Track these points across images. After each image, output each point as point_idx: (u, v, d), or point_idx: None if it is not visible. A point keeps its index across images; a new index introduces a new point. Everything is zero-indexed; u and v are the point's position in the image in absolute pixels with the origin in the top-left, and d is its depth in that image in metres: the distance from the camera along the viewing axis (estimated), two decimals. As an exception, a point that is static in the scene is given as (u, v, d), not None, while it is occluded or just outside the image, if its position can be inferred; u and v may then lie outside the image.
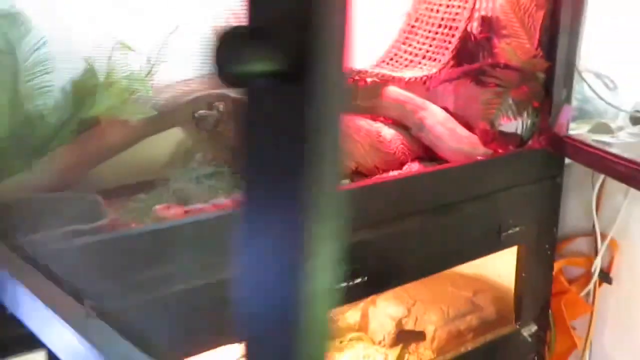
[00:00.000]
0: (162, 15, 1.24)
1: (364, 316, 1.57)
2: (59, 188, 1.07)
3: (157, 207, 0.89)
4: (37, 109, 1.09)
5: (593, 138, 1.37)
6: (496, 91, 1.28)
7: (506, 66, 1.36)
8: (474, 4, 1.49)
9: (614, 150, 1.27)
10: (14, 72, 1.05)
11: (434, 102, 1.60)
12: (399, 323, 1.50)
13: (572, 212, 1.54)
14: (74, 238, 0.83)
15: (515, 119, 1.27)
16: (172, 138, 1.31)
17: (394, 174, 1.31)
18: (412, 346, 1.49)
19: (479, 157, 1.27)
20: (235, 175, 1.24)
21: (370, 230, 1.09)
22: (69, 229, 0.84)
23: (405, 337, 1.50)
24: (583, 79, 1.53)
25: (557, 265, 1.53)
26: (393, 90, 1.39)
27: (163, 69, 1.20)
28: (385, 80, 1.38)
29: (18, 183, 1.02)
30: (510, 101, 1.27)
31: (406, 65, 1.55)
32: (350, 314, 1.59)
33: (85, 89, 1.09)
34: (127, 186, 1.27)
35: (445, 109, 1.65)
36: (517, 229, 1.35)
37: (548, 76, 1.29)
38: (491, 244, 1.32)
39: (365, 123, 1.32)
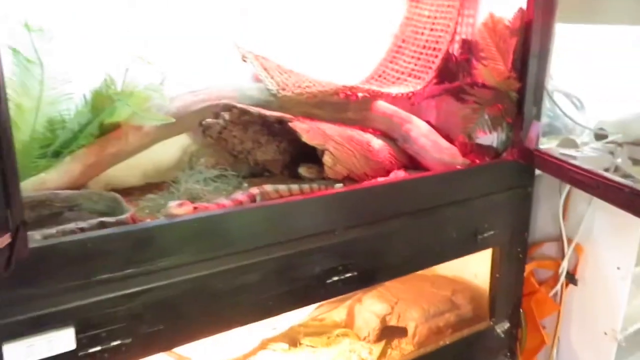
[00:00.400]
0: (173, 31, 1.37)
1: (350, 314, 1.68)
2: (78, 186, 1.17)
3: (171, 203, 1.00)
4: (59, 115, 1.20)
5: (560, 152, 1.52)
6: (473, 107, 1.43)
7: (483, 85, 1.50)
8: (455, 29, 1.65)
9: (578, 162, 1.42)
10: (40, 81, 1.16)
11: (418, 116, 1.73)
12: (383, 320, 1.62)
13: (542, 219, 1.69)
14: (100, 229, 0.93)
15: (490, 132, 1.41)
16: (178, 143, 1.43)
17: (381, 180, 1.44)
18: (395, 341, 1.61)
19: (458, 167, 1.41)
20: (237, 177, 1.36)
21: (361, 229, 1.22)
22: (97, 220, 0.94)
23: (388, 333, 1.62)
24: (551, 98, 1.69)
25: (528, 268, 1.67)
26: (381, 105, 1.53)
27: (174, 80, 1.33)
28: (374, 95, 1.51)
29: (41, 181, 1.12)
30: (486, 117, 1.41)
31: (393, 82, 1.69)
32: (337, 312, 1.70)
33: (104, 97, 1.20)
34: (136, 187, 1.38)
35: (428, 122, 1.79)
36: (492, 232, 1.48)
37: (520, 95, 1.44)
38: (468, 246, 1.45)
39: (356, 134, 1.45)
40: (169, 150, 1.42)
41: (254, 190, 1.23)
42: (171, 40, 1.37)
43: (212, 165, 1.41)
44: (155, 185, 1.38)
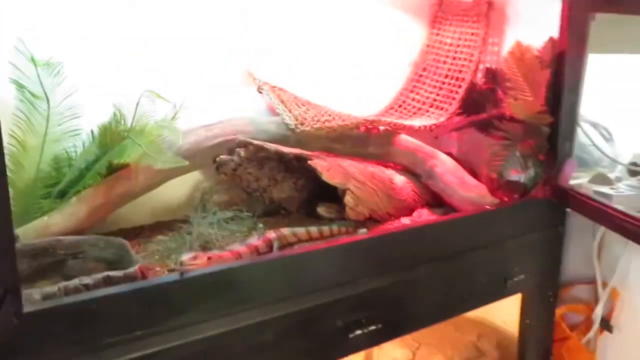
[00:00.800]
0: (186, 64, 1.30)
1: (369, 359, 1.58)
2: (84, 229, 1.10)
3: (183, 256, 0.92)
4: (65, 152, 1.13)
5: (594, 189, 1.43)
6: (504, 144, 1.34)
7: (511, 119, 1.42)
8: (480, 57, 1.57)
9: (614, 203, 1.33)
10: (46, 117, 1.09)
11: (438, 147, 1.66)
12: (404, 366, 1.52)
13: (573, 259, 1.59)
14: (107, 285, 0.85)
15: (522, 171, 1.33)
16: (190, 179, 1.35)
17: (405, 220, 1.35)
18: (417, 389, 1.51)
19: (486, 207, 1.32)
20: (252, 217, 1.27)
21: (384, 278, 1.12)
22: (102, 275, 0.86)
23: (410, 380, 1.52)
24: (582, 129, 1.60)
25: (558, 312, 1.56)
26: (404, 139, 1.45)
27: (187, 114, 1.25)
28: (397, 129, 1.43)
29: (44, 225, 1.05)
30: (518, 154, 1.33)
31: (414, 113, 1.61)
32: (355, 356, 1.60)
33: (113, 133, 1.13)
34: (146, 227, 1.30)
35: (449, 154, 1.71)
36: (522, 276, 1.39)
37: (552, 130, 1.35)
38: (497, 292, 1.35)
39: (378, 170, 1.36)
40: (181, 187, 1.34)
41: (271, 235, 1.14)
42: (185, 67, 1.30)
43: (226, 202, 1.33)
44: (166, 225, 1.30)
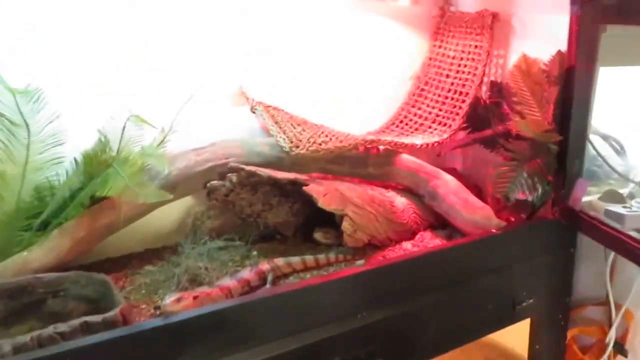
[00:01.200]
0: (176, 85, 1.24)
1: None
2: (66, 263, 1.04)
3: (167, 299, 0.86)
4: (47, 181, 1.07)
5: (606, 208, 1.36)
6: (509, 164, 1.27)
7: (517, 136, 1.35)
8: (484, 71, 1.50)
9: (627, 223, 1.26)
10: (26, 145, 1.04)
11: (441, 162, 1.59)
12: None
13: (585, 279, 1.52)
14: (85, 331, 0.79)
15: (530, 193, 1.26)
16: (181, 205, 1.29)
17: (406, 244, 1.29)
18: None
19: (492, 230, 1.25)
20: (245, 244, 1.21)
21: (385, 310, 1.06)
22: (79, 321, 0.80)
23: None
24: (591, 144, 1.53)
25: (569, 333, 1.49)
26: (405, 158, 1.38)
27: (176, 137, 1.20)
28: (398, 148, 1.37)
29: (24, 261, 0.99)
30: (525, 175, 1.26)
31: (416, 129, 1.55)
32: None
33: (97, 161, 1.07)
34: (134, 255, 1.24)
35: (453, 169, 1.65)
36: (531, 300, 1.32)
37: (561, 148, 1.29)
38: (505, 318, 1.29)
39: (377, 193, 1.30)
40: (172, 212, 1.29)
41: (264, 266, 1.08)
42: (175, 86, 1.24)
43: (218, 227, 1.28)
44: (155, 253, 1.24)
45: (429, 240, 1.31)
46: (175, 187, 1.15)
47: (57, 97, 1.05)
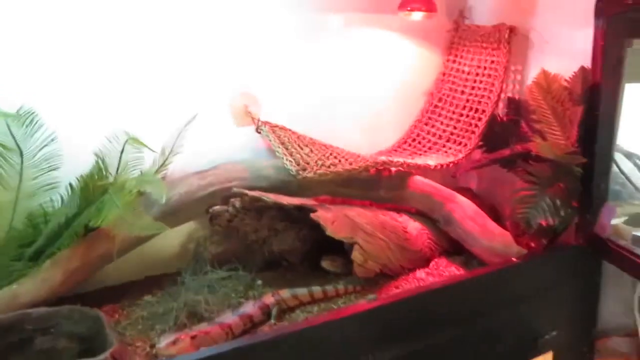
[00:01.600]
0: (178, 105, 1.19)
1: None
2: (59, 296, 0.98)
3: (162, 342, 0.80)
4: (41, 208, 1.02)
5: (633, 233, 1.27)
6: (531, 188, 1.19)
7: (538, 157, 1.27)
8: (501, 88, 1.43)
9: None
10: (19, 170, 0.99)
11: (456, 182, 1.52)
12: None
13: (610, 309, 1.43)
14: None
15: (553, 220, 1.18)
16: (183, 229, 1.23)
17: (420, 273, 1.21)
18: None
19: (512, 258, 1.17)
20: (249, 273, 1.15)
21: (400, 347, 0.99)
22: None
23: None
24: (616, 164, 1.45)
25: (594, 366, 1.40)
26: (419, 180, 1.31)
27: (178, 159, 1.14)
28: (411, 169, 1.30)
29: (13, 295, 0.93)
30: (547, 199, 1.18)
31: (429, 148, 1.48)
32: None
33: (93, 186, 1.02)
34: (134, 283, 1.19)
35: (468, 190, 1.57)
36: (554, 333, 1.23)
37: (585, 170, 1.21)
38: (527, 352, 1.20)
39: (389, 219, 1.23)
40: (173, 238, 1.23)
41: (268, 299, 1.01)
42: (177, 112, 1.19)
43: (222, 254, 1.21)
44: (156, 281, 1.18)
45: (444, 268, 1.24)
46: (176, 213, 1.09)
47: (52, 118, 0.99)
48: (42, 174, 1.01)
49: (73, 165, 1.04)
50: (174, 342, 0.81)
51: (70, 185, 1.04)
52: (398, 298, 1.00)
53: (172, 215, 1.08)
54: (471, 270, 1.22)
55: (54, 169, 1.02)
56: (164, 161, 1.11)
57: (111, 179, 1.05)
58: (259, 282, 1.14)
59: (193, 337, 0.85)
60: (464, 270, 1.25)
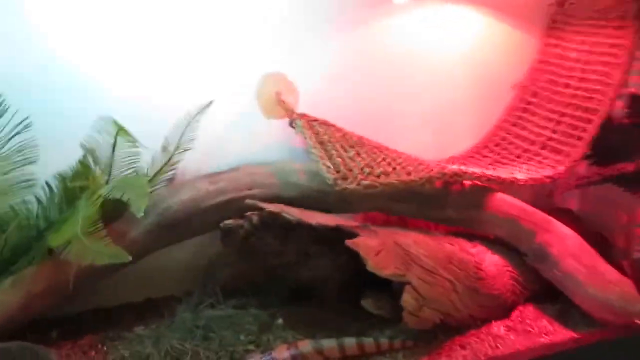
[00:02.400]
0: (189, 89, 0.95)
1: None
2: (17, 324, 0.77)
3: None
4: (11, 211, 0.82)
5: None
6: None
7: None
8: (622, 80, 1.07)
9: None
10: (-13, 164, 0.79)
11: (551, 201, 1.18)
12: None
13: None
14: None
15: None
16: (191, 243, 1.00)
17: (497, 328, 0.89)
18: None
19: (636, 320, 0.82)
20: (262, 312, 0.89)
21: None
22: None
23: None
24: None
25: None
26: (502, 199, 0.99)
27: (191, 158, 0.91)
28: (491, 184, 0.98)
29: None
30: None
31: (518, 156, 1.15)
32: None
33: (72, 188, 0.80)
34: (132, 306, 0.98)
35: (567, 212, 1.22)
36: None
37: None
38: None
39: (458, 249, 0.92)
40: (179, 252, 0.99)
41: (281, 354, 0.74)
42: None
43: (236, 277, 0.96)
44: (156, 305, 0.96)
45: (532, 323, 0.91)
46: (176, 226, 0.87)
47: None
48: (14, 169, 0.81)
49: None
50: None
51: (47, 184, 0.84)
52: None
53: (171, 228, 0.86)
54: (576, 330, 0.88)
55: (28, 163, 0.82)
56: (168, 159, 0.88)
57: (102, 180, 0.83)
58: (280, 321, 0.89)
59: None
60: (559, 327, 0.91)
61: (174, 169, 0.93)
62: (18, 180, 0.83)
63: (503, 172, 1.03)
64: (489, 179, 0.98)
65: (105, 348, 0.83)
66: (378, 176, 0.90)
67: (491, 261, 0.94)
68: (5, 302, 0.76)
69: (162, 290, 1.01)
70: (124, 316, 0.94)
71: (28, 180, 0.83)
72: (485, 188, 1.01)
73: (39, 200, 0.84)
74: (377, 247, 0.82)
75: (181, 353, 0.74)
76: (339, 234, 0.88)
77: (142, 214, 0.66)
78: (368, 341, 0.81)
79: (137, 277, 0.98)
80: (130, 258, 0.69)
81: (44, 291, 0.79)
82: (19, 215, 0.83)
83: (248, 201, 0.86)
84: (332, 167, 0.90)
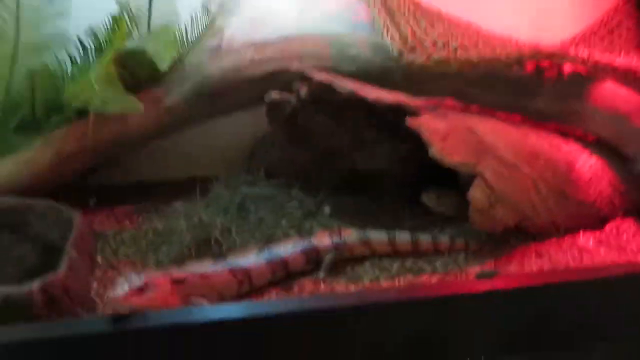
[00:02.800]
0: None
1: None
2: (45, 183, 0.74)
3: (118, 292, 0.48)
4: (44, 67, 0.76)
5: None
6: None
7: None
8: None
9: None
10: (16, 17, 0.73)
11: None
12: None
13: None
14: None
15: None
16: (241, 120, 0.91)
17: (585, 240, 0.74)
18: None
19: None
20: (309, 197, 0.80)
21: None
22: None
23: None
24: None
25: None
26: (609, 91, 0.80)
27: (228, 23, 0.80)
28: (598, 70, 0.78)
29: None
30: None
31: (637, 46, 0.92)
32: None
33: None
34: (171, 183, 0.93)
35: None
36: None
37: None
38: None
39: (547, 145, 0.75)
40: (225, 131, 0.92)
41: (321, 241, 0.66)
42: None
43: (281, 162, 0.87)
44: (195, 185, 0.90)
45: (630, 239, 0.75)
46: (215, 96, 0.77)
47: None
48: (45, 23, 0.74)
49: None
50: (141, 290, 0.50)
51: (80, 40, 0.76)
52: (535, 282, 0.56)
53: (211, 98, 0.77)
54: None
55: (60, 15, 0.74)
56: (211, 21, 0.77)
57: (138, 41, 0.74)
58: (327, 209, 0.79)
59: (178, 282, 0.54)
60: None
61: (219, 36, 0.82)
62: (49, 35, 0.76)
63: (618, 58, 0.83)
64: (597, 63, 0.79)
65: (140, 219, 0.79)
66: (454, 50, 0.74)
67: (587, 163, 0.78)
68: (34, 160, 0.73)
69: (206, 170, 0.95)
70: (165, 192, 0.89)
71: (60, 35, 0.77)
72: (589, 76, 0.81)
73: (71, 58, 0.78)
74: (445, 131, 0.68)
75: (211, 227, 0.67)
76: (401, 118, 0.74)
77: (166, 68, 0.57)
78: (425, 237, 0.70)
79: (179, 154, 0.94)
80: (142, 109, 0.61)
81: (75, 152, 0.74)
82: (51, 72, 0.78)
83: (294, 65, 0.74)
84: (399, 37, 0.75)
